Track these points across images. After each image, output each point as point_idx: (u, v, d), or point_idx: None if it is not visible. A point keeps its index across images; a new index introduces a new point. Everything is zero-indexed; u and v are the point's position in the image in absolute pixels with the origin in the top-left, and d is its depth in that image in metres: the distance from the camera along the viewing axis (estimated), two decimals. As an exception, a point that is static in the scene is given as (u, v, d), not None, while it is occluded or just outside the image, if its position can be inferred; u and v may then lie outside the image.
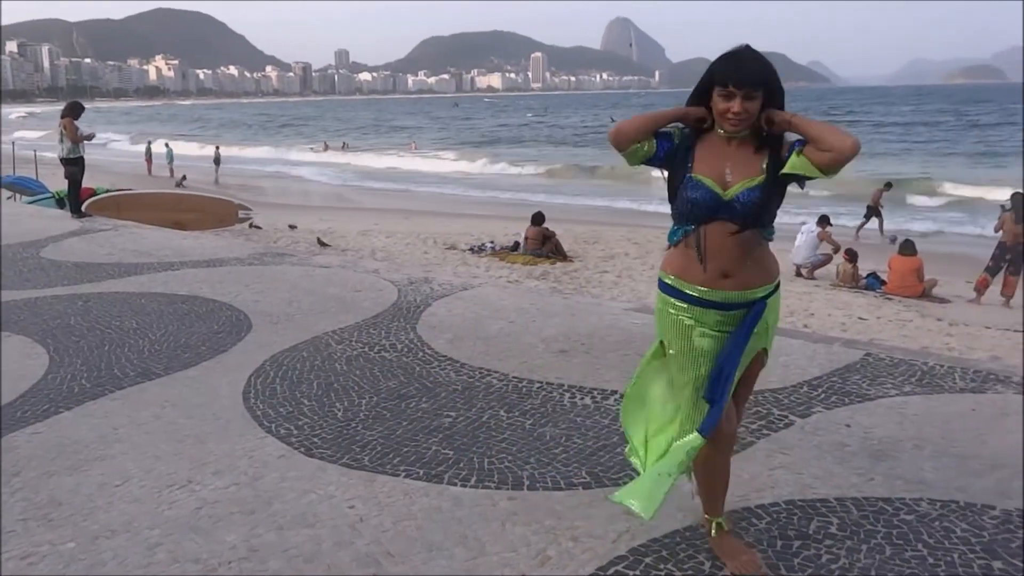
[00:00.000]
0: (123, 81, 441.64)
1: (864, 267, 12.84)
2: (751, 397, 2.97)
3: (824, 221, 13.97)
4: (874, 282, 12.42)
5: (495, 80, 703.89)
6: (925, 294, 11.80)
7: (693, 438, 2.66)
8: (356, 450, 3.77)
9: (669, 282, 2.72)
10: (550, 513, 3.19)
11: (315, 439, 3.90)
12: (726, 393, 2.64)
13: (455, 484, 3.44)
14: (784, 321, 8.72)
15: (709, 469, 2.84)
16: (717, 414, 2.64)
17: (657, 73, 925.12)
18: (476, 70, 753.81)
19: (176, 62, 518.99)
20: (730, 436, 2.81)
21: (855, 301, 10.98)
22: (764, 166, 2.56)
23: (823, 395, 4.43)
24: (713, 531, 2.88)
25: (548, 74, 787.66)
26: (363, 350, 5.26)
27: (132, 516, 3.20)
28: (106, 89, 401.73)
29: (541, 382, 4.66)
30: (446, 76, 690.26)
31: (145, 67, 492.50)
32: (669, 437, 2.81)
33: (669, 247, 2.75)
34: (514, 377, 4.75)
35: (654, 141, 2.63)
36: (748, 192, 2.54)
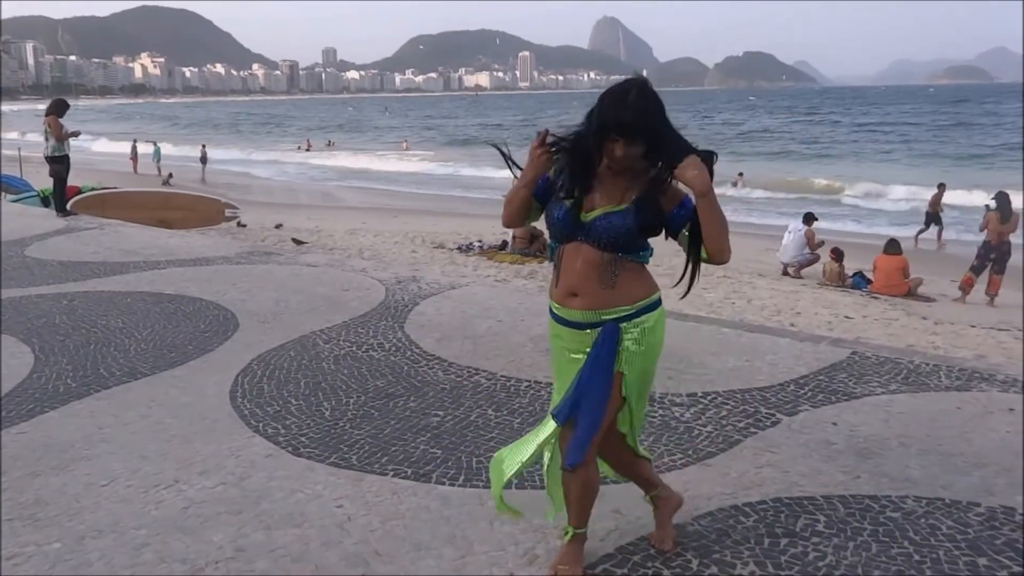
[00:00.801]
0: (109, 79, 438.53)
1: (850, 266, 12.91)
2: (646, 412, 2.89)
3: (810, 219, 14.01)
4: (860, 281, 12.49)
5: (483, 79, 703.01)
6: (911, 293, 11.88)
7: (550, 428, 2.67)
8: (344, 449, 3.76)
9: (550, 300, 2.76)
10: (538, 512, 3.18)
11: (303, 438, 3.89)
12: (577, 414, 2.61)
13: (443, 483, 3.44)
14: (771, 320, 8.83)
15: (583, 485, 2.73)
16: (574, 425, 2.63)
17: (645, 72, 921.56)
18: (464, 69, 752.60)
19: (162, 60, 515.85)
20: (592, 460, 2.71)
21: (841, 300, 11.04)
22: (632, 198, 2.57)
23: (810, 393, 4.45)
24: (567, 537, 2.80)
25: (536, 73, 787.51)
26: (351, 349, 5.25)
27: (119, 516, 3.19)
28: (91, 87, 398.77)
29: (529, 381, 4.66)
30: (434, 75, 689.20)
31: (131, 65, 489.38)
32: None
33: None
34: (502, 376, 4.75)
35: (533, 200, 2.68)
36: (606, 217, 2.56)
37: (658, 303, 2.74)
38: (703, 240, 2.60)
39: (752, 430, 3.96)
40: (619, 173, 2.58)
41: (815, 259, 13.51)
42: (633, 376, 2.65)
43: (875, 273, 12.39)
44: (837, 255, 12.83)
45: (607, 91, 2.54)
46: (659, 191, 2.58)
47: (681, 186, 2.55)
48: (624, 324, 2.62)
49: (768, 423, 4.05)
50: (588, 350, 2.63)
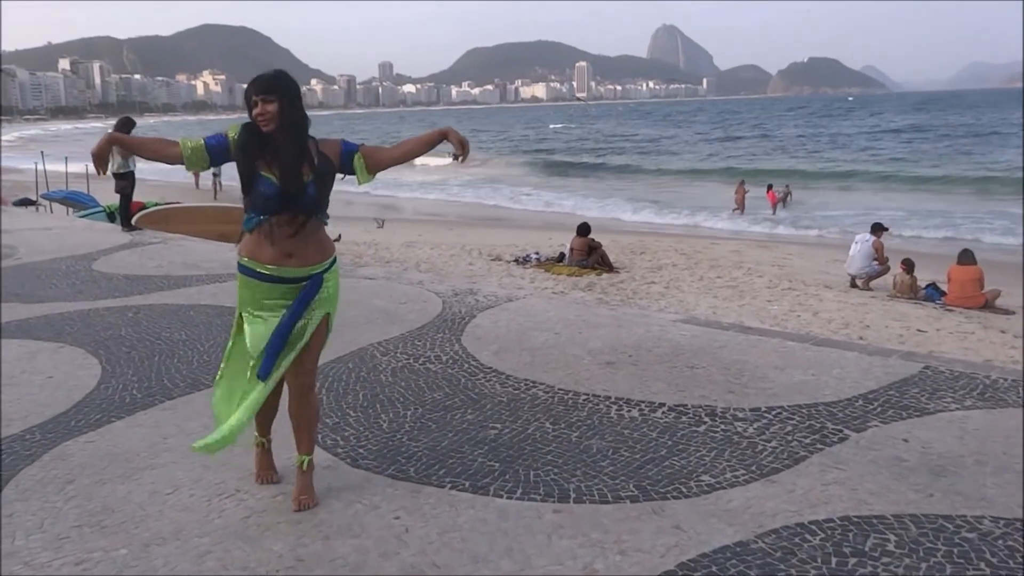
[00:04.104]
0: (171, 96, 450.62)
1: (923, 277, 12.47)
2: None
3: (878, 229, 13.56)
4: (934, 293, 12.01)
5: (539, 90, 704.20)
6: (988, 305, 11.37)
7: (261, 388, 3.27)
8: (402, 461, 3.76)
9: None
10: (597, 526, 3.15)
11: (361, 450, 3.90)
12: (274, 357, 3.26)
13: (501, 496, 3.42)
14: (838, 333, 8.63)
15: (298, 412, 3.37)
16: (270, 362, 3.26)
17: (705, 80, 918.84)
18: (520, 80, 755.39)
19: (223, 77, 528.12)
20: (304, 386, 3.37)
21: (913, 312, 10.69)
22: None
23: (879, 409, 4.32)
24: (304, 466, 3.37)
25: (593, 83, 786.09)
26: (408, 361, 5.27)
27: (182, 524, 3.23)
28: (155, 104, 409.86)
29: (587, 394, 4.62)
30: (490, 87, 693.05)
31: (193, 82, 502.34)
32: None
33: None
34: (560, 389, 4.71)
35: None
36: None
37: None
38: None
39: (818, 446, 3.86)
40: None
41: (884, 270, 13.08)
42: (334, 313, 3.48)
43: (949, 284, 11.90)
44: (908, 266, 12.34)
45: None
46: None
47: None
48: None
49: (835, 439, 3.94)
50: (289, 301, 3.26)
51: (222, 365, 3.45)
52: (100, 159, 3.15)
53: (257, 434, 3.59)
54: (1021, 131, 52.30)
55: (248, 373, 3.34)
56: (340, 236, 13.88)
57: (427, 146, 3.36)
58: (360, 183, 3.35)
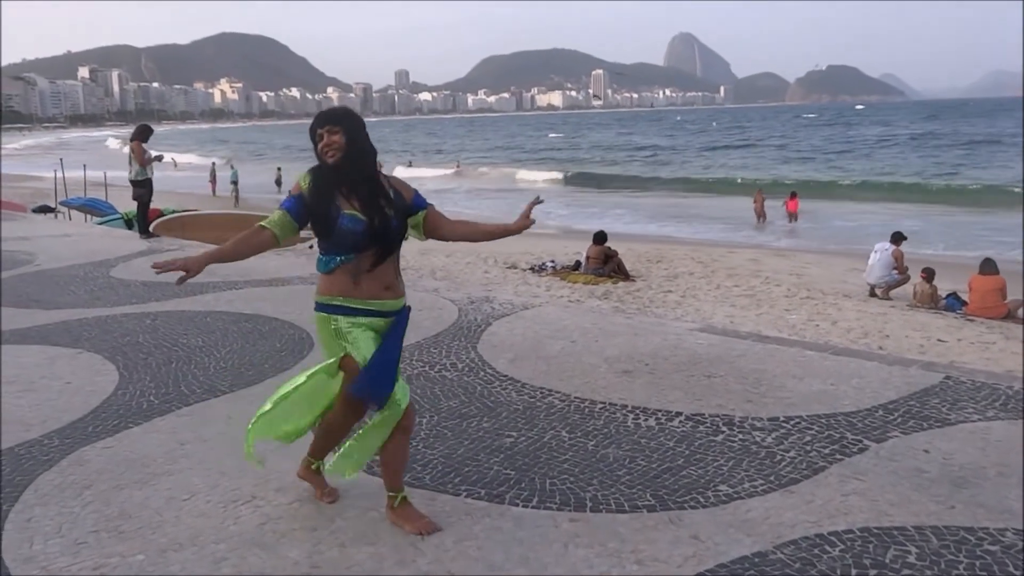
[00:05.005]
0: (189, 104, 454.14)
1: (943, 287, 12.34)
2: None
3: (898, 238, 13.44)
4: (954, 303, 11.86)
5: (555, 98, 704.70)
6: (1010, 315, 11.23)
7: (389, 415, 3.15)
8: (417, 469, 3.75)
9: None
10: (613, 536, 3.13)
11: (376, 457, 3.88)
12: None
13: (516, 504, 3.40)
14: (857, 343, 8.57)
15: (401, 448, 3.28)
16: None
17: (722, 88, 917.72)
18: (536, 88, 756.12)
19: (240, 85, 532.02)
20: (412, 423, 3.32)
21: (934, 322, 10.58)
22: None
23: (900, 419, 4.27)
24: (396, 504, 3.25)
25: (610, 91, 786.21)
26: (424, 369, 5.26)
27: (199, 530, 3.23)
28: (172, 112, 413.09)
29: (604, 403, 4.60)
30: (506, 95, 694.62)
31: (210, 90, 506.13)
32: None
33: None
34: (576, 397, 4.69)
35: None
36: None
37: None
38: None
39: (838, 456, 3.82)
40: None
41: (904, 280, 12.96)
42: None
43: (970, 294, 11.75)
44: (928, 275, 12.23)
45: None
46: None
47: None
48: None
49: (855, 449, 3.90)
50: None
51: (281, 398, 3.28)
52: (192, 274, 3.00)
53: (314, 457, 3.49)
54: (1020, 140, 51.62)
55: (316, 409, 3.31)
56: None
57: (495, 237, 3.44)
58: (408, 236, 3.27)
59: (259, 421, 3.29)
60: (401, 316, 3.21)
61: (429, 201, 3.32)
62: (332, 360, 3.16)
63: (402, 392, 3.16)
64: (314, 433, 3.45)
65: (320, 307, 3.15)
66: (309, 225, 3.13)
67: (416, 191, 3.29)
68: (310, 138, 3.12)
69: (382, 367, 3.09)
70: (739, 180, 38.32)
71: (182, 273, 2.97)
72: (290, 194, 3.15)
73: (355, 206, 3.05)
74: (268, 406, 3.28)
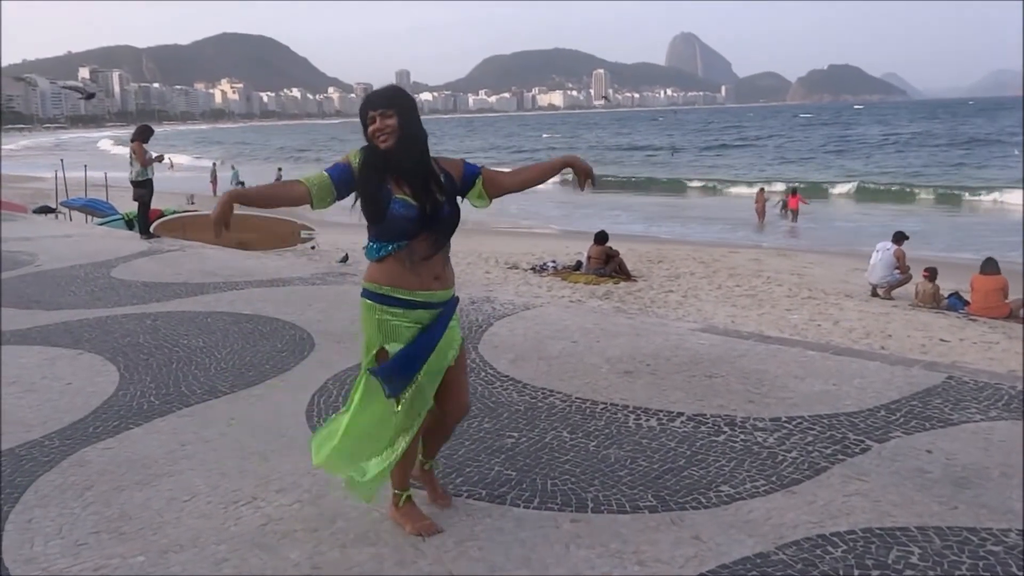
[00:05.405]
0: (190, 105, 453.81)
1: (945, 286, 12.31)
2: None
3: (900, 238, 13.43)
4: (956, 302, 11.84)
5: (556, 98, 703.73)
6: (1012, 315, 11.22)
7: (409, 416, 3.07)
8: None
9: None
10: (615, 536, 3.12)
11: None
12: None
13: (518, 505, 3.39)
14: (859, 343, 8.56)
15: (447, 431, 3.35)
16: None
17: (723, 88, 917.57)
18: (537, 88, 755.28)
19: (240, 85, 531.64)
20: (467, 405, 3.34)
21: (936, 322, 10.56)
22: None
23: (902, 419, 4.26)
24: (401, 503, 3.21)
25: (611, 91, 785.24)
26: (425, 369, 5.24)
27: (199, 531, 3.23)
28: (173, 113, 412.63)
29: (605, 403, 4.59)
30: (507, 95, 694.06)
31: (211, 91, 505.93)
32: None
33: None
34: (577, 398, 4.68)
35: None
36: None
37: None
38: None
39: (840, 456, 3.81)
40: None
41: (906, 279, 12.94)
42: None
43: (972, 294, 11.73)
44: (931, 274, 12.22)
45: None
46: None
47: None
48: None
49: (857, 449, 3.89)
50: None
51: (342, 416, 3.20)
52: (223, 221, 2.88)
53: (427, 457, 3.41)
54: (1021, 139, 51.51)
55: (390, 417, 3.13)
56: (347, 256, 13.89)
57: (548, 174, 3.23)
58: (477, 207, 3.22)
59: (331, 454, 3.17)
60: (448, 307, 3.12)
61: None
62: (369, 357, 3.08)
63: (424, 400, 3.08)
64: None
65: (367, 294, 3.07)
66: (342, 198, 3.01)
67: (464, 160, 3.18)
68: (360, 120, 2.99)
69: (404, 360, 3.01)
70: (725, 183, 38.27)
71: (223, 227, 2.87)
72: (336, 163, 3.04)
73: (406, 192, 2.96)
74: (335, 440, 3.16)
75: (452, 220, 3.06)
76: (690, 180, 40.81)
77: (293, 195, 2.99)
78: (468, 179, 3.13)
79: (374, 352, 3.07)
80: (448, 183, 3.06)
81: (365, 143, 3.00)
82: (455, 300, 3.17)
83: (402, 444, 3.09)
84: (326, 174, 2.99)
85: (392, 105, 2.95)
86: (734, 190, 35.17)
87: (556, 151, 68.96)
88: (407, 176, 2.96)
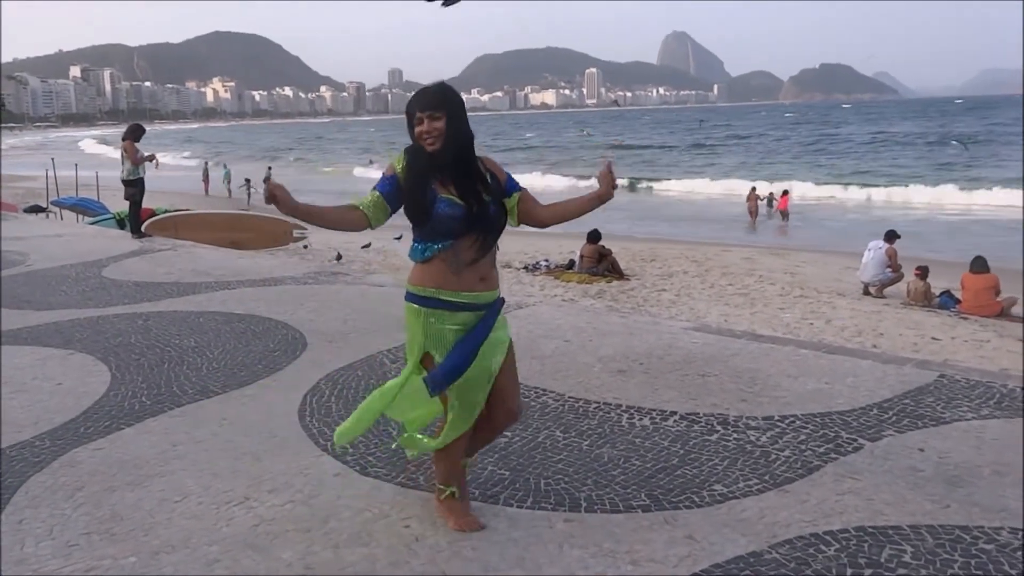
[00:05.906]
0: (181, 103, 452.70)
1: (937, 285, 12.35)
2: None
3: (891, 236, 13.48)
4: (948, 301, 11.87)
5: (549, 97, 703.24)
6: (1004, 313, 11.27)
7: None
8: (412, 469, 3.73)
9: None
10: (608, 536, 3.12)
11: (370, 458, 3.88)
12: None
13: (511, 505, 3.39)
14: (852, 341, 8.58)
15: (494, 435, 3.35)
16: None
17: (716, 87, 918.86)
18: (530, 87, 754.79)
19: (232, 84, 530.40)
20: (519, 408, 3.30)
21: (928, 321, 10.60)
22: None
23: (894, 418, 4.27)
24: (443, 496, 3.24)
25: (603, 90, 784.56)
26: (418, 368, 5.24)
27: (191, 532, 3.21)
28: (165, 111, 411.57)
29: (598, 402, 4.58)
30: (499, 94, 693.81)
31: (203, 89, 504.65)
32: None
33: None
34: (570, 397, 4.68)
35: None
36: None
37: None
38: None
39: (832, 455, 3.82)
40: None
41: (898, 278, 12.98)
42: None
43: (963, 292, 11.75)
44: (922, 272, 12.25)
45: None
46: None
47: None
48: None
49: (849, 448, 3.89)
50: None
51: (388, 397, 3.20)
52: (278, 201, 2.77)
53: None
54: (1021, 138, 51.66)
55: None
56: (340, 255, 13.87)
57: (586, 209, 3.13)
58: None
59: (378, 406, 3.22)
60: (492, 309, 3.07)
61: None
62: (413, 361, 3.07)
63: (473, 402, 3.07)
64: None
65: (411, 297, 3.02)
66: (397, 211, 2.99)
67: (509, 173, 3.12)
68: (406, 119, 2.93)
69: (451, 370, 2.99)
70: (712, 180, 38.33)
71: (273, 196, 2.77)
72: (383, 176, 2.99)
73: (452, 191, 2.91)
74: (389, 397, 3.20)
75: (499, 220, 3.01)
76: (683, 178, 40.81)
77: (351, 222, 2.97)
78: (507, 191, 3.08)
79: (418, 357, 3.05)
80: (493, 183, 3.02)
81: (407, 143, 2.97)
82: (500, 301, 3.12)
83: (449, 437, 3.11)
84: (377, 192, 2.96)
85: (441, 107, 2.89)
86: (724, 187, 35.08)
87: (537, 149, 68.91)
88: (453, 176, 2.93)
